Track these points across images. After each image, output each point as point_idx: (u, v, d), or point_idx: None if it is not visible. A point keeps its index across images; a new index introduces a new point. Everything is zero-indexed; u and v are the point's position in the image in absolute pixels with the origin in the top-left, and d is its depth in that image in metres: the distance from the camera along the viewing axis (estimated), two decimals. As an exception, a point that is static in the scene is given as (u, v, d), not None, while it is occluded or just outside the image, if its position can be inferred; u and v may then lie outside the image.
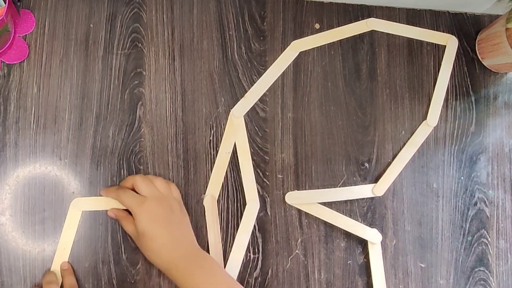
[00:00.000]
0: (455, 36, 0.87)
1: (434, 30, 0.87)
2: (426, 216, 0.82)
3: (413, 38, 0.86)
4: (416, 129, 0.84)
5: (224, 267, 0.75)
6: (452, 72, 0.86)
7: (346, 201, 0.81)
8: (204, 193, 0.77)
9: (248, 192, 0.77)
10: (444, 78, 0.85)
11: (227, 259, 0.75)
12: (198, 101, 0.79)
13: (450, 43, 0.86)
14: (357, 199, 0.81)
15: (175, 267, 0.66)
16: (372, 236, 0.79)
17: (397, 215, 0.81)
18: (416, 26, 0.87)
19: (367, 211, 0.81)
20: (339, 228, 0.79)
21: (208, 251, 0.75)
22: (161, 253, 0.66)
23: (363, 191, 0.81)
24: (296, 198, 0.79)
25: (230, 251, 0.76)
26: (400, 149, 0.83)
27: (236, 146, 0.79)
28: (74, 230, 0.73)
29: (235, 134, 0.79)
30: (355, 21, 0.85)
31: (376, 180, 0.81)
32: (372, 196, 0.80)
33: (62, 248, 0.73)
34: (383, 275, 0.78)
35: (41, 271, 0.72)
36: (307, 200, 0.79)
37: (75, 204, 0.74)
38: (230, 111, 0.79)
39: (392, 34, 0.85)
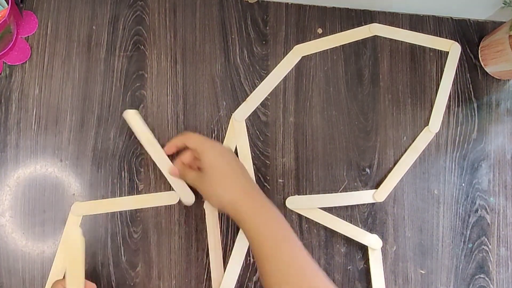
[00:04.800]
0: (458, 42, 0.87)
1: (437, 36, 0.87)
2: (427, 223, 0.82)
3: (415, 44, 0.86)
4: (417, 135, 0.84)
5: (224, 271, 0.75)
6: (454, 78, 0.86)
7: (346, 207, 0.80)
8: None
9: None
10: (447, 84, 0.85)
11: (227, 263, 0.75)
12: (200, 105, 0.79)
13: (453, 49, 0.86)
14: (357, 205, 0.81)
15: (243, 202, 0.64)
16: (373, 241, 0.79)
17: (398, 221, 0.81)
18: (419, 32, 0.87)
19: (368, 216, 0.81)
20: (339, 233, 0.79)
21: (207, 254, 0.76)
22: (231, 186, 0.65)
23: (364, 196, 0.81)
24: (297, 203, 0.79)
25: (230, 255, 0.75)
26: (402, 155, 0.83)
27: (237, 150, 0.79)
28: None
29: (237, 138, 0.78)
30: (358, 26, 0.85)
31: (377, 185, 0.81)
32: (373, 202, 0.80)
33: (61, 254, 0.73)
34: (383, 281, 0.78)
35: (40, 273, 0.72)
36: (307, 205, 0.79)
37: (75, 210, 0.74)
38: (231, 114, 0.79)
39: (395, 40, 0.86)
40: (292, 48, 0.82)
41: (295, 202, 0.79)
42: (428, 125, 0.84)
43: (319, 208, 0.79)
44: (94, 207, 0.75)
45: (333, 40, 0.84)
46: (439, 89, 0.85)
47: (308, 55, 0.83)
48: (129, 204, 0.75)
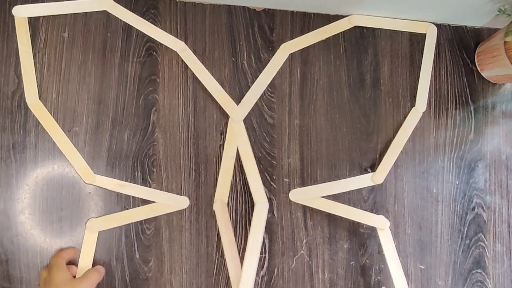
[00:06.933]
0: (456, 48, 0.89)
1: (436, 42, 0.89)
2: (426, 220, 0.84)
3: (416, 49, 0.88)
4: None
5: (241, 268, 0.75)
6: (452, 82, 0.88)
7: (349, 203, 0.82)
8: (214, 195, 0.79)
9: (255, 193, 0.79)
10: (428, 64, 0.87)
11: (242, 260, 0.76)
12: (209, 108, 0.81)
13: (430, 31, 0.88)
14: (359, 203, 0.83)
15: None
16: (379, 222, 0.80)
17: (398, 218, 0.83)
18: (418, 37, 0.89)
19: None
20: (343, 230, 0.81)
21: (217, 250, 0.78)
22: None
23: (363, 180, 0.82)
24: (300, 195, 0.80)
25: (244, 251, 0.76)
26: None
27: (239, 150, 0.80)
28: (92, 252, 0.76)
29: (237, 139, 0.80)
30: (360, 33, 0.87)
31: (379, 185, 0.83)
32: (372, 184, 0.82)
33: (82, 271, 0.74)
34: (397, 259, 0.79)
35: (58, 268, 0.75)
36: (310, 196, 0.80)
37: (91, 226, 0.76)
38: None
39: (395, 45, 0.88)
40: (296, 54, 0.85)
41: (298, 194, 0.80)
42: (415, 106, 0.86)
43: (322, 197, 0.81)
44: (109, 222, 0.77)
45: (317, 35, 0.85)
46: (421, 70, 0.87)
47: (311, 61, 0.85)
48: (142, 214, 0.77)
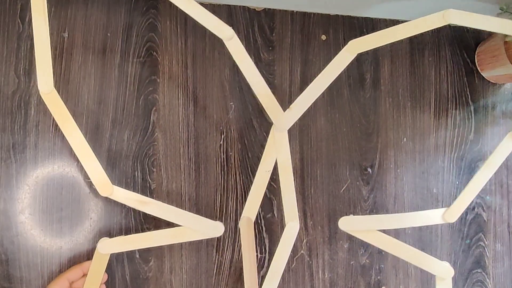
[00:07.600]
0: (456, 48, 0.89)
1: (435, 42, 0.89)
2: None
3: (416, 49, 0.88)
4: (419, 138, 0.86)
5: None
6: (452, 82, 0.89)
7: (349, 206, 0.82)
8: (214, 194, 0.79)
9: (288, 212, 0.70)
10: None
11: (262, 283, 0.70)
12: (209, 107, 0.81)
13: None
14: (360, 203, 0.83)
15: None
16: (442, 270, 0.70)
17: None
18: (418, 38, 0.88)
19: (370, 215, 0.83)
20: (343, 231, 0.74)
21: (217, 250, 0.78)
22: None
23: (432, 217, 0.70)
24: (351, 224, 0.69)
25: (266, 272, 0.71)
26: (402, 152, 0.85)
27: (277, 163, 0.70)
28: (100, 276, 0.70)
29: (278, 151, 0.69)
30: (360, 33, 0.87)
31: (379, 185, 0.84)
32: (443, 222, 0.72)
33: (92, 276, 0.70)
34: None
35: (58, 268, 0.75)
36: (363, 227, 0.69)
37: (102, 248, 0.70)
38: (239, 117, 0.81)
39: (395, 45, 0.87)
40: (296, 54, 0.85)
41: (349, 223, 0.69)
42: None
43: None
44: (124, 244, 0.70)
45: (393, 33, 0.66)
46: None
47: (312, 61, 0.85)
48: (164, 238, 0.69)
